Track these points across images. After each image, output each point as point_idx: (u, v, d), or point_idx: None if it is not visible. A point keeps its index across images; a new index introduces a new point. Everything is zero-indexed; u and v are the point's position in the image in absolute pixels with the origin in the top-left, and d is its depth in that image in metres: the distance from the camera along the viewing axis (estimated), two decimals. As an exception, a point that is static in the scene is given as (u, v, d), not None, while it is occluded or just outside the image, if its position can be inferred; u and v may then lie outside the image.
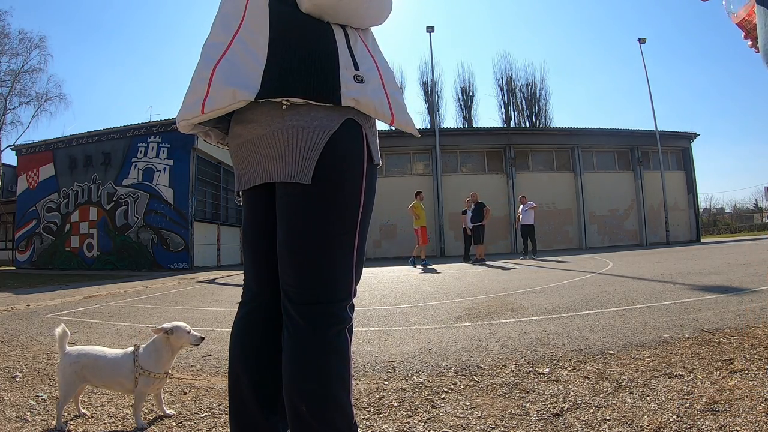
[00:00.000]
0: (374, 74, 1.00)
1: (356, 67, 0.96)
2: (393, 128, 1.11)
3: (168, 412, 1.70)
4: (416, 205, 10.60)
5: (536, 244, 11.69)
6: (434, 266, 10.03)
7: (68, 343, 1.64)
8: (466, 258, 11.30)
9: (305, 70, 0.92)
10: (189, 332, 1.62)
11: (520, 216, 11.67)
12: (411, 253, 10.99)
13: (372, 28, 1.10)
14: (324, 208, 0.95)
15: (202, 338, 1.65)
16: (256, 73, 0.92)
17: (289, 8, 0.97)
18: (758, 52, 1.29)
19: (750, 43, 1.31)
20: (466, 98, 32.74)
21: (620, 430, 1.37)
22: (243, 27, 0.98)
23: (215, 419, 1.64)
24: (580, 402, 1.60)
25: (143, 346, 1.62)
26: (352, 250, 0.99)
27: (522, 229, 11.74)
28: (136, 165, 13.97)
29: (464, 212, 11.44)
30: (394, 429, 1.49)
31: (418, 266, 10.03)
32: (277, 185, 1.00)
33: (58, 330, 1.61)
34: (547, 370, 2.01)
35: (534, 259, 10.96)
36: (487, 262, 10.48)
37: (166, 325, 1.60)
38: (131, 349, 1.61)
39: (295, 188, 0.95)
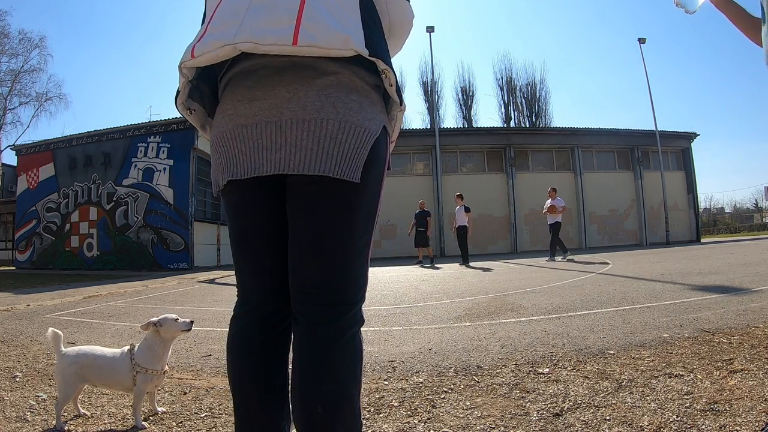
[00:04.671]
0: None
1: None
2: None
3: (159, 409, 1.70)
4: None
5: (467, 249, 10.60)
6: None
7: (68, 343, 1.64)
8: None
9: (390, 58, 0.94)
10: (177, 320, 1.61)
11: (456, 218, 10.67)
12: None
13: None
14: (353, 207, 0.93)
15: (191, 322, 1.64)
16: (358, 29, 0.85)
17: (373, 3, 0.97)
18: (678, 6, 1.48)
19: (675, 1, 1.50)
20: (466, 98, 32.81)
21: (620, 430, 1.37)
22: None
23: (215, 419, 1.64)
24: (580, 402, 1.60)
25: (138, 344, 1.63)
26: (368, 252, 0.99)
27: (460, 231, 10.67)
28: (136, 165, 13.96)
29: (467, 210, 10.72)
30: (394, 429, 1.49)
31: None
32: (296, 179, 0.92)
33: (49, 333, 1.60)
34: (547, 370, 2.00)
35: (466, 265, 10.04)
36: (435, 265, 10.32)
37: (153, 318, 1.60)
38: (127, 347, 1.62)
39: (327, 185, 0.90)
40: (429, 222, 11.29)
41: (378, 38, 0.92)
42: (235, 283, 1.07)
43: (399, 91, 0.96)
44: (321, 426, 0.88)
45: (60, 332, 1.63)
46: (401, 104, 0.98)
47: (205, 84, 1.04)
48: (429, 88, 28.97)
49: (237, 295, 1.05)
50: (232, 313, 1.06)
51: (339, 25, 0.85)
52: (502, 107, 32.82)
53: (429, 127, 24.05)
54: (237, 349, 1.01)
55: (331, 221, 0.92)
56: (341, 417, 0.89)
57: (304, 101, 0.88)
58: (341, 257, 0.93)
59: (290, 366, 0.98)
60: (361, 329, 0.99)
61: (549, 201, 10.49)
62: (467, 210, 10.80)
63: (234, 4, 0.91)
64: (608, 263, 8.29)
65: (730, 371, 1.81)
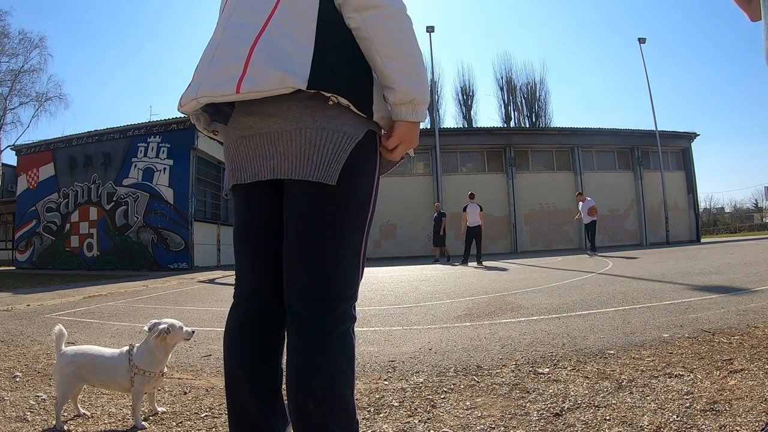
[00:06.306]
0: None
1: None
2: None
3: (159, 409, 1.71)
4: None
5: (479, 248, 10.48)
6: None
7: (68, 343, 1.65)
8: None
9: (352, 75, 0.95)
10: (182, 328, 1.64)
11: (468, 217, 10.51)
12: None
13: None
14: (339, 208, 0.97)
15: (193, 332, 1.70)
16: (304, 62, 0.91)
17: (337, 13, 0.97)
18: None
19: None
20: (466, 98, 32.86)
21: (620, 430, 1.37)
22: (279, 12, 0.95)
23: (215, 419, 1.64)
24: (580, 402, 1.60)
25: (138, 345, 1.63)
26: (360, 251, 1.02)
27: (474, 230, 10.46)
28: (136, 165, 13.95)
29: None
30: (394, 429, 1.49)
31: None
32: (288, 183, 0.99)
33: (56, 330, 1.61)
34: (547, 370, 2.00)
35: (478, 262, 10.18)
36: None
37: (162, 325, 1.59)
38: (126, 348, 1.62)
39: (313, 188, 0.95)
40: (444, 222, 12.35)
41: (333, 60, 0.93)
42: (234, 278, 1.12)
43: (363, 106, 0.96)
44: (312, 422, 0.90)
45: (65, 332, 1.63)
46: (368, 116, 0.98)
47: (227, 105, 1.12)
48: (429, 88, 28.97)
49: (234, 288, 1.11)
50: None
51: (280, 64, 0.90)
52: (502, 107, 32.89)
53: (429, 127, 23.98)
54: (235, 338, 1.06)
55: (319, 222, 0.96)
56: (333, 413, 0.91)
57: (285, 114, 0.96)
58: (330, 256, 0.97)
59: (284, 363, 1.01)
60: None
61: (581, 204, 11.75)
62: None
63: (206, 55, 1.02)
64: (611, 263, 8.29)
65: (730, 371, 1.81)
